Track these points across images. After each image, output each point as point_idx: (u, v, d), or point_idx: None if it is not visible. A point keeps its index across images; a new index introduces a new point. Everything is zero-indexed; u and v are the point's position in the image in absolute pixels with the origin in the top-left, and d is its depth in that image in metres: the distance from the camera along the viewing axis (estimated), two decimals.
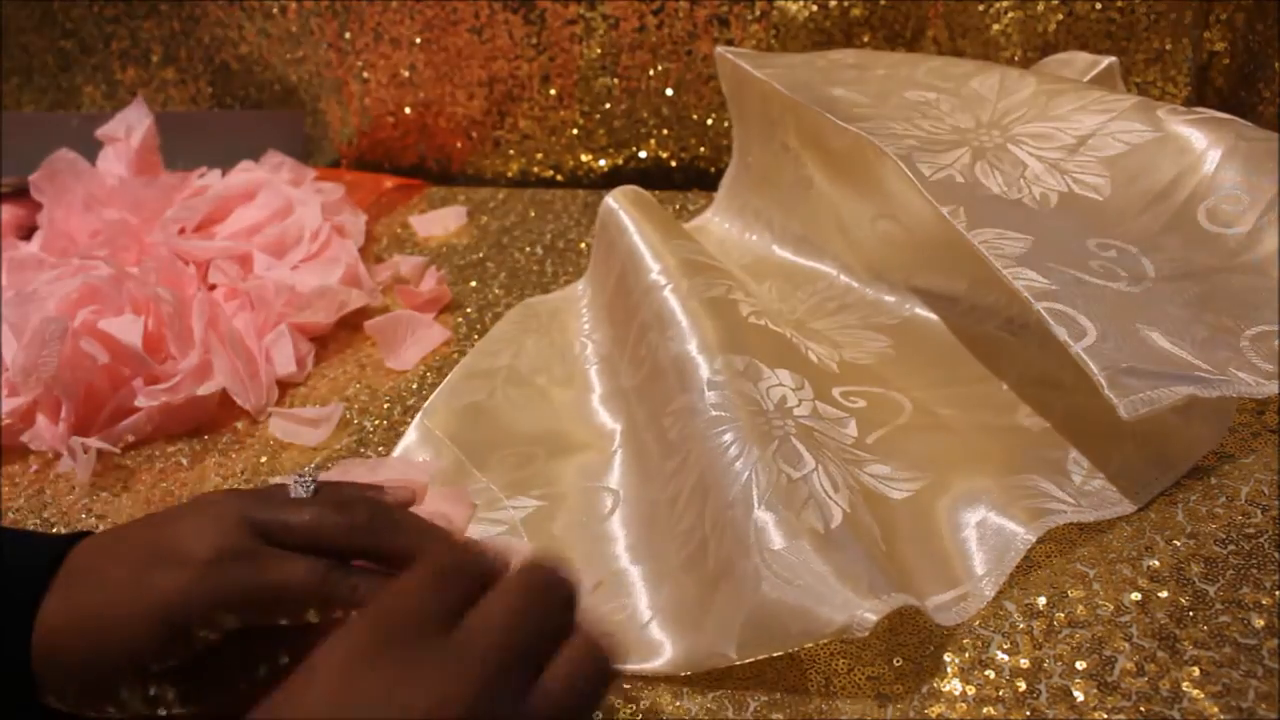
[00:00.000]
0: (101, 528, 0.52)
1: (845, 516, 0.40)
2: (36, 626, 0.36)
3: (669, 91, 0.82)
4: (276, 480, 0.50)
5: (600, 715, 0.38)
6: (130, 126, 0.74)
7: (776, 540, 0.38)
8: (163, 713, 0.38)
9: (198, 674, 0.38)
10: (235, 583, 0.36)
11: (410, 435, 0.54)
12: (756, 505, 0.40)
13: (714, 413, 0.44)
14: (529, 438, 0.53)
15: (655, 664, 0.40)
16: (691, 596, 0.41)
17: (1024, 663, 0.38)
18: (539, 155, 0.87)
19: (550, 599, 0.31)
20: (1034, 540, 0.42)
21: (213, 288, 0.65)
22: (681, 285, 0.51)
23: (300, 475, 0.40)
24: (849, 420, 0.48)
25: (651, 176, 0.85)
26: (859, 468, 0.45)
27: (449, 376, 0.58)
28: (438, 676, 0.28)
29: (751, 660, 0.38)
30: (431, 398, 0.57)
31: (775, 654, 0.38)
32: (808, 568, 0.37)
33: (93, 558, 0.38)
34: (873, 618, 0.35)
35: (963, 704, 0.37)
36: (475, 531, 0.48)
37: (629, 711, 0.39)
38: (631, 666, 0.40)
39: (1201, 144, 0.49)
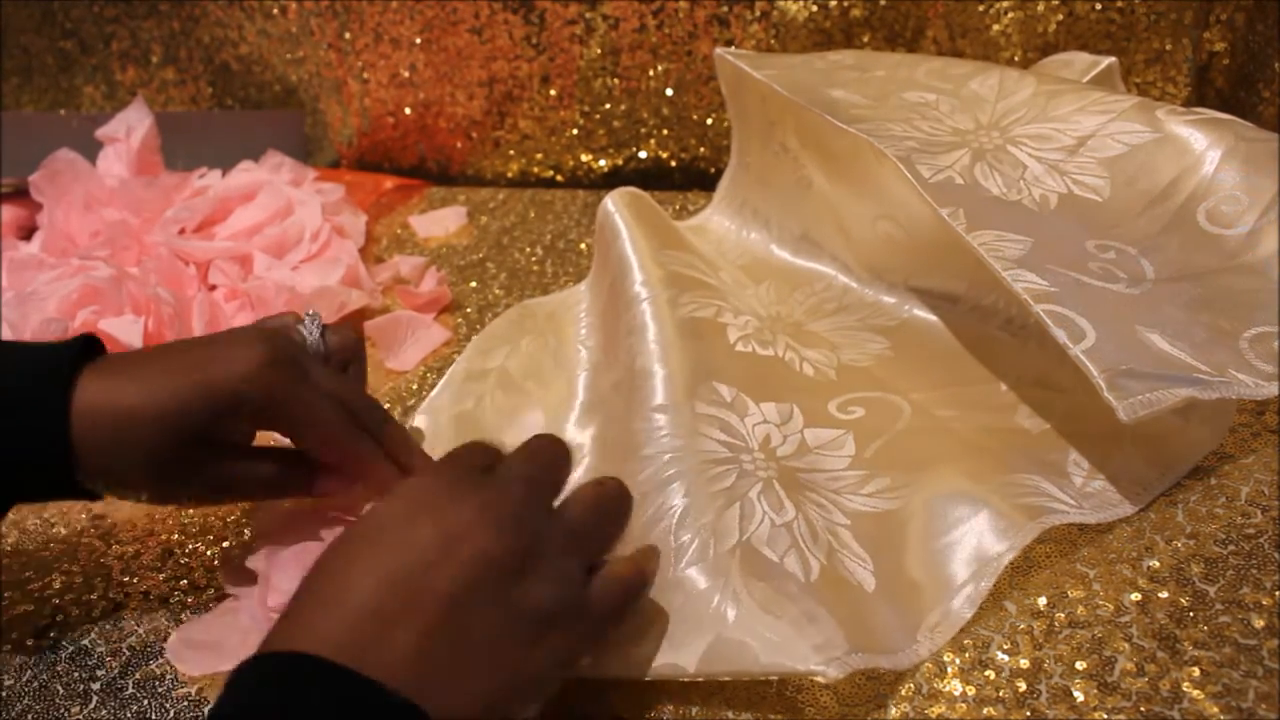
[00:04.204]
0: (102, 529, 0.52)
1: (822, 569, 0.40)
2: (75, 405, 0.37)
3: (669, 91, 0.82)
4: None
5: None
6: (130, 126, 0.73)
7: (750, 579, 0.38)
8: (187, 499, 0.41)
9: (227, 479, 0.41)
10: (282, 384, 0.38)
11: None
12: (740, 537, 0.40)
13: (664, 439, 0.44)
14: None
15: (611, 667, 0.40)
16: (650, 602, 0.40)
17: (1024, 663, 0.38)
18: (539, 155, 0.87)
19: (603, 500, 0.38)
20: (1032, 540, 0.42)
21: (213, 288, 0.65)
22: (661, 298, 0.51)
23: (311, 314, 0.44)
24: (846, 438, 0.48)
25: (651, 176, 0.85)
26: (852, 493, 0.45)
27: (444, 379, 0.58)
28: (478, 498, 0.34)
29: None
30: (426, 401, 0.56)
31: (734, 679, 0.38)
32: (777, 614, 0.37)
33: (133, 354, 0.40)
34: (834, 674, 0.35)
35: (963, 704, 0.37)
36: None
37: (628, 713, 0.39)
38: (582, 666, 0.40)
39: (1201, 144, 0.49)
